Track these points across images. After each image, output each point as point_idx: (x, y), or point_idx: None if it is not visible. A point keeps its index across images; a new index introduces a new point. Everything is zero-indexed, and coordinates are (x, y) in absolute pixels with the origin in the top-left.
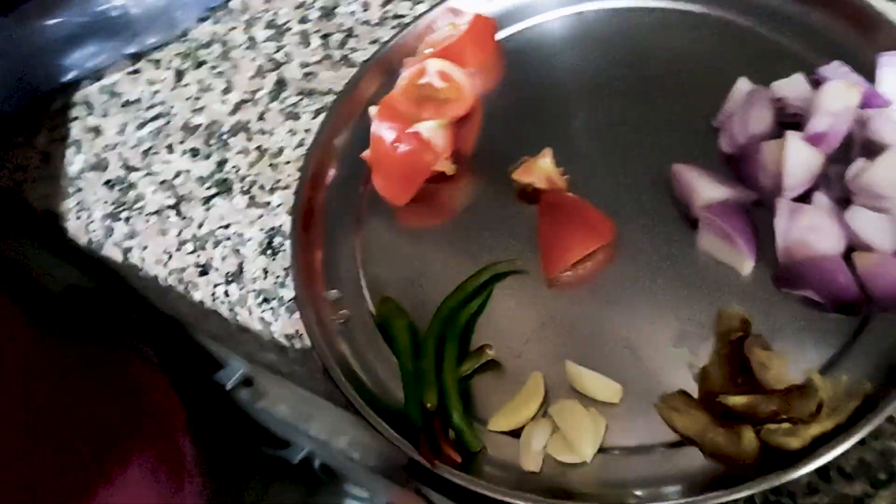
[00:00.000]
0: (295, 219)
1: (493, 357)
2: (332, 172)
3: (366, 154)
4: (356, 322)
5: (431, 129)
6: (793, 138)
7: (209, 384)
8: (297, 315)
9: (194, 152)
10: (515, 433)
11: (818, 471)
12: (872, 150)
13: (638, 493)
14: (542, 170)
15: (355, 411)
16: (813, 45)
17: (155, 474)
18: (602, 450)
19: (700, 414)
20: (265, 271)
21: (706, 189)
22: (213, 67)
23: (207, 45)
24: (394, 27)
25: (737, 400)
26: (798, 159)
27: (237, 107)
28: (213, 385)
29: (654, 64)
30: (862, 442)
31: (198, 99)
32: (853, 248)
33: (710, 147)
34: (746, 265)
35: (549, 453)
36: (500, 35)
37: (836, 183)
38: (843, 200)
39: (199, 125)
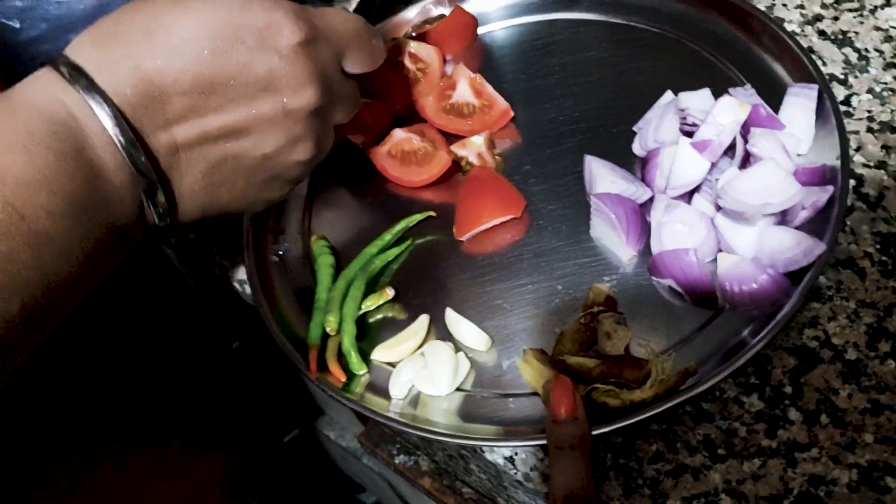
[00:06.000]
0: None
1: (390, 297)
2: None
3: None
4: (292, 257)
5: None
6: (684, 143)
7: None
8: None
9: None
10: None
11: (666, 441)
12: (750, 163)
13: (483, 428)
14: (475, 146)
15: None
16: (743, 70)
17: None
18: (461, 389)
19: (547, 370)
20: None
21: (604, 180)
22: None
23: None
24: None
25: (573, 359)
26: (684, 162)
27: None
28: None
29: (596, 71)
30: (711, 419)
31: None
32: (722, 249)
33: (627, 149)
34: (626, 252)
35: (415, 385)
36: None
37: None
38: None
39: None
